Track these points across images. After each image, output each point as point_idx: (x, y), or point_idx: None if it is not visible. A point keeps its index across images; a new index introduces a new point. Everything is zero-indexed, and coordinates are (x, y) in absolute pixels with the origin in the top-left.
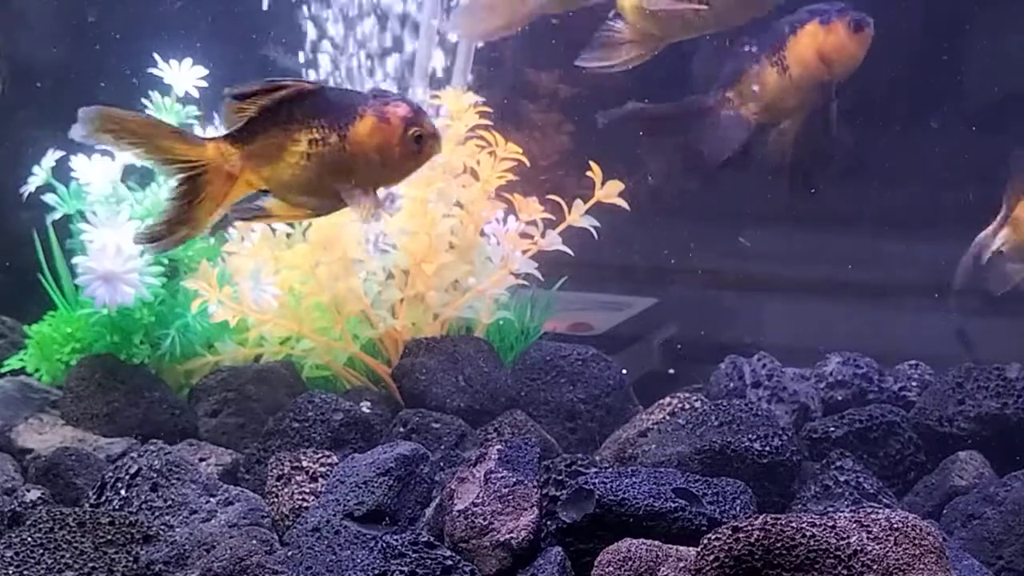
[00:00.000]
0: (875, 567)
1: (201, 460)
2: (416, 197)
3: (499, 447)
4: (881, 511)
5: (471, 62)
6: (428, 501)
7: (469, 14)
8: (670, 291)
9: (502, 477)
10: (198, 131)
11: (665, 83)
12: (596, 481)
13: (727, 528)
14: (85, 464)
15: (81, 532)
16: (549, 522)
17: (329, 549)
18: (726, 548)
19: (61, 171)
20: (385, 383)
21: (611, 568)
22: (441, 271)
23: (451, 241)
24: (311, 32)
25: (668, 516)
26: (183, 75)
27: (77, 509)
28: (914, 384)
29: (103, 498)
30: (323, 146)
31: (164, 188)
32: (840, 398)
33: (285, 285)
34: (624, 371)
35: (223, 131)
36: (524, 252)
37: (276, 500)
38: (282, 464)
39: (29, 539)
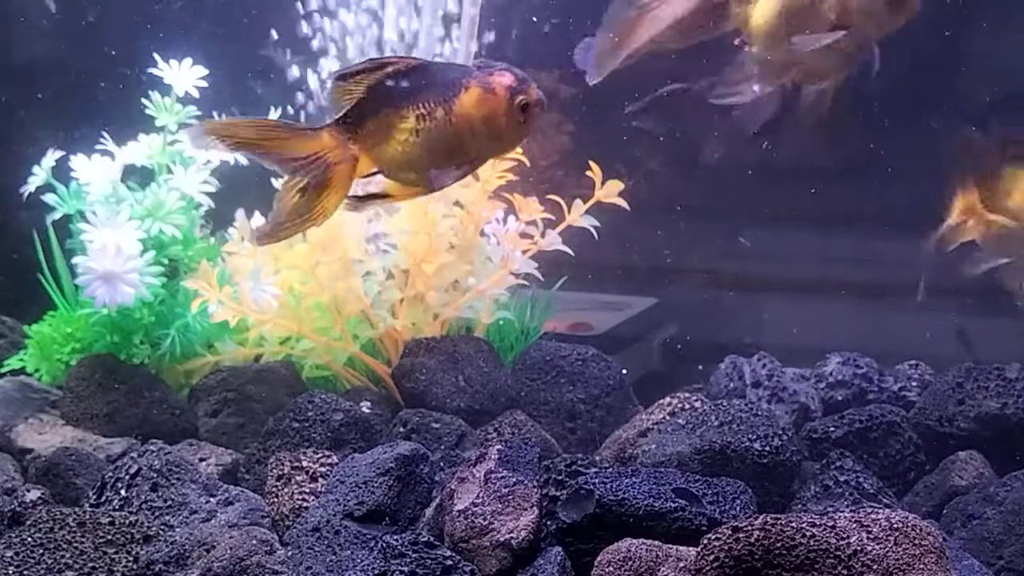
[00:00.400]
0: (875, 567)
1: (201, 460)
2: None
3: (499, 447)
4: (881, 511)
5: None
6: (428, 501)
7: (601, 50)
8: (670, 291)
9: (502, 477)
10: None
11: (663, 77)
12: (596, 481)
13: (727, 528)
14: (85, 464)
15: (81, 532)
16: (549, 522)
17: (329, 549)
18: (726, 548)
19: (61, 171)
20: (385, 383)
21: (611, 568)
22: (441, 271)
23: (451, 241)
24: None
25: (668, 516)
26: (183, 75)
27: (77, 509)
28: (914, 384)
29: (103, 498)
30: (430, 121)
31: (164, 188)
32: (840, 398)
33: (285, 285)
34: (624, 371)
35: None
36: (524, 252)
37: (276, 500)
38: (282, 464)
39: (29, 539)
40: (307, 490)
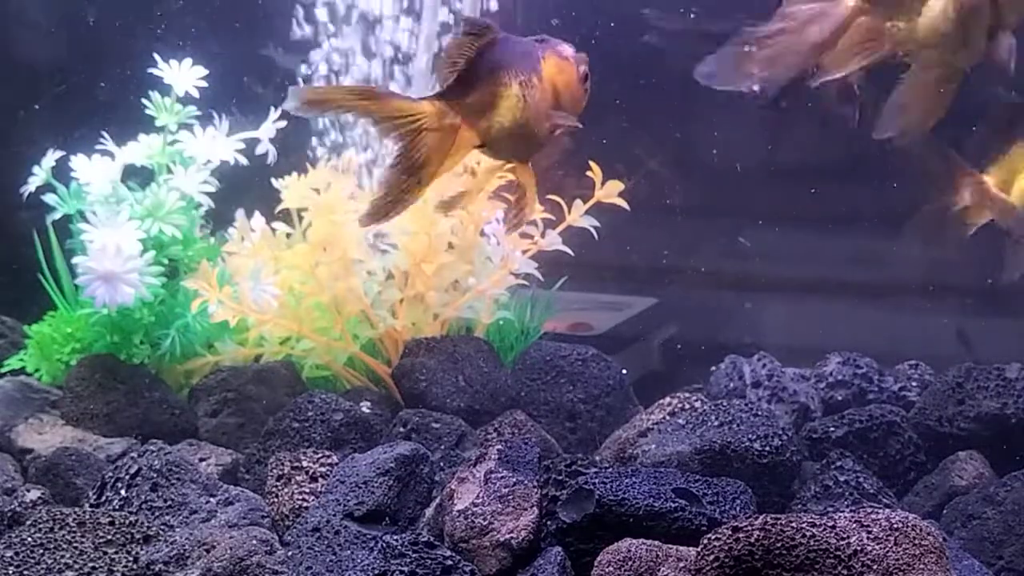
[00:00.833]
0: (875, 567)
1: (201, 460)
2: None
3: (499, 447)
4: (881, 511)
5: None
6: (428, 501)
7: (722, 75)
8: (670, 291)
9: (502, 477)
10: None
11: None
12: (596, 481)
13: (727, 528)
14: (85, 464)
15: (81, 532)
16: (549, 522)
17: (329, 549)
18: (726, 548)
19: (61, 171)
20: (385, 383)
21: (611, 568)
22: (441, 271)
23: (451, 241)
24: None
25: (668, 516)
26: (183, 75)
27: (77, 509)
28: (914, 384)
29: (103, 498)
30: (531, 88)
31: (164, 188)
32: (840, 398)
33: (285, 285)
34: (624, 371)
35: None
36: (524, 252)
37: (276, 500)
38: (282, 464)
39: (29, 539)
40: (307, 490)
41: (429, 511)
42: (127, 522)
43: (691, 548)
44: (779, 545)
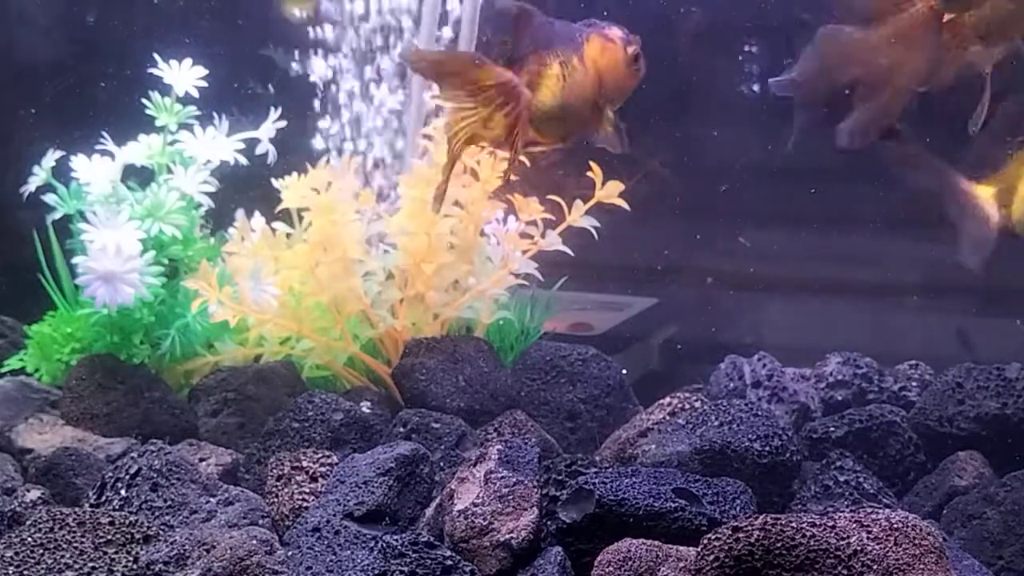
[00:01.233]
0: (875, 567)
1: (201, 460)
2: (416, 197)
3: (499, 447)
4: (881, 511)
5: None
6: (428, 501)
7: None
8: (670, 291)
9: (502, 477)
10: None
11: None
12: (596, 481)
13: (727, 528)
14: (85, 464)
15: (81, 532)
16: (549, 522)
17: (329, 549)
18: (726, 548)
19: (61, 171)
20: (385, 383)
21: (611, 568)
22: (441, 271)
23: (451, 241)
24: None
25: (668, 516)
26: (183, 75)
27: (77, 509)
28: (914, 384)
29: (103, 498)
30: (570, 69)
31: (164, 188)
32: (840, 398)
33: (285, 285)
34: (624, 371)
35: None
36: (524, 252)
37: (276, 500)
38: (282, 464)
39: (29, 539)
40: (307, 490)
41: (429, 511)
42: (127, 522)
43: (691, 548)
44: (779, 545)
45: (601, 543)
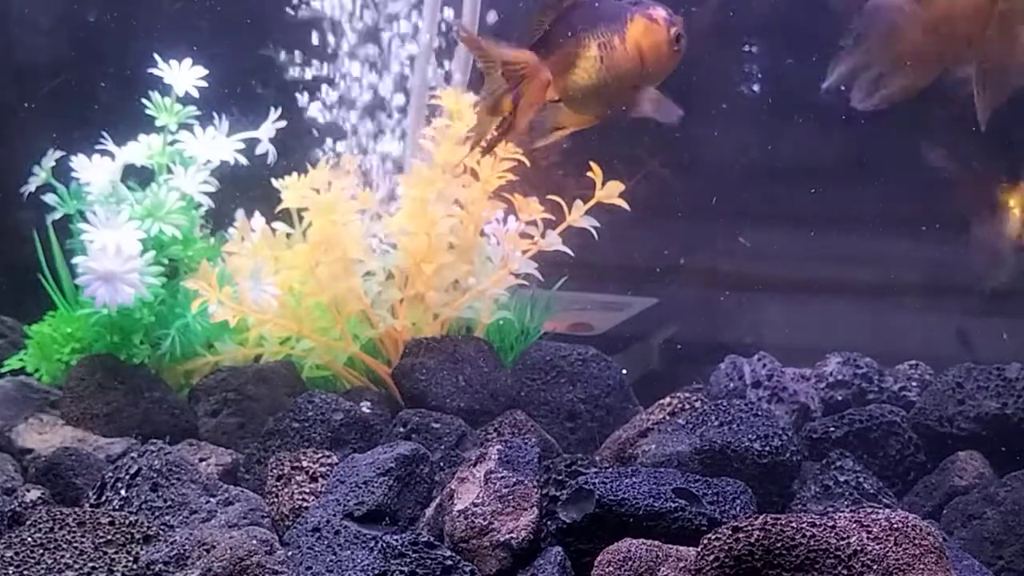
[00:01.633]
0: (875, 567)
1: (201, 460)
2: (416, 197)
3: (499, 447)
4: (881, 511)
5: (471, 62)
6: (428, 501)
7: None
8: (670, 291)
9: (502, 477)
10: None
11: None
12: (596, 481)
13: (727, 528)
14: (85, 464)
15: (81, 532)
16: (549, 522)
17: (329, 549)
18: (726, 548)
19: (61, 171)
20: (385, 383)
21: (611, 568)
22: (441, 271)
23: (451, 241)
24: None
25: (668, 516)
26: (183, 75)
27: (77, 509)
28: (914, 384)
29: (103, 498)
30: (610, 49)
31: (164, 188)
32: (840, 398)
33: (285, 285)
34: (624, 371)
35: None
36: (524, 252)
37: (276, 500)
38: (282, 464)
39: (29, 539)
40: (307, 490)
41: (429, 511)
42: (127, 522)
43: (691, 548)
44: (779, 545)
45: (601, 543)
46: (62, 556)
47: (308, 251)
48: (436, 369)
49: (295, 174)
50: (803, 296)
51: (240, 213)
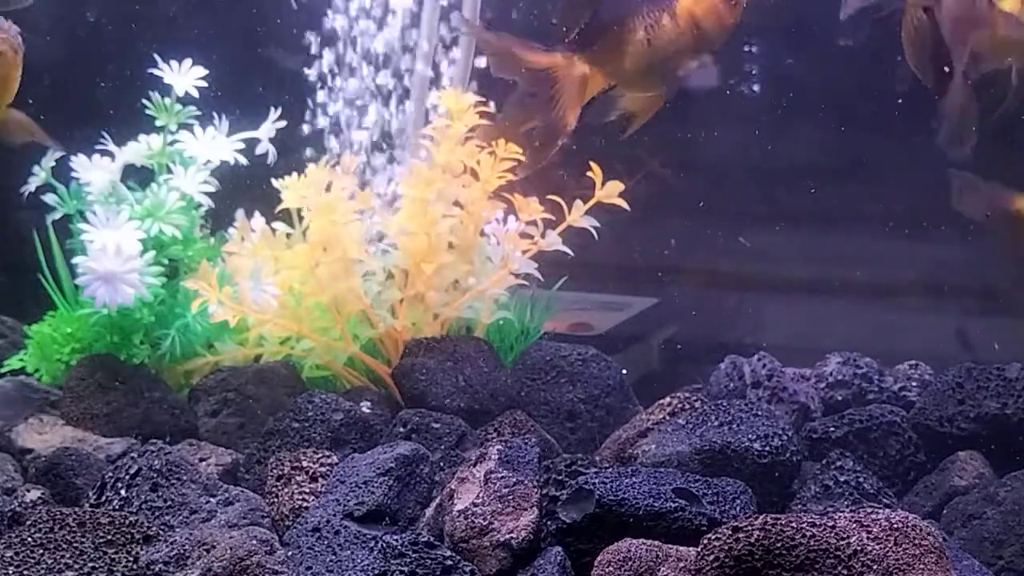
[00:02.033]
0: (875, 567)
1: (201, 460)
2: (416, 197)
3: (499, 447)
4: (881, 511)
5: (471, 62)
6: (428, 501)
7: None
8: (670, 291)
9: (502, 477)
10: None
11: None
12: (596, 481)
13: (727, 528)
14: (85, 464)
15: (81, 532)
16: (549, 522)
17: (329, 549)
18: (726, 548)
19: (61, 171)
20: (385, 383)
21: (611, 568)
22: (441, 271)
23: (451, 241)
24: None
25: (668, 516)
26: (183, 75)
27: (77, 509)
28: (914, 384)
29: (103, 498)
30: (658, 29)
31: (164, 188)
32: (840, 398)
33: (285, 285)
34: (624, 371)
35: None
36: (524, 252)
37: (276, 500)
38: (282, 464)
39: (29, 539)
40: (307, 490)
41: (429, 511)
42: (127, 522)
43: (691, 548)
44: (779, 545)
45: (601, 543)
46: (62, 556)
47: (308, 251)
48: (436, 369)
49: (295, 174)
50: (803, 296)
51: (240, 213)
